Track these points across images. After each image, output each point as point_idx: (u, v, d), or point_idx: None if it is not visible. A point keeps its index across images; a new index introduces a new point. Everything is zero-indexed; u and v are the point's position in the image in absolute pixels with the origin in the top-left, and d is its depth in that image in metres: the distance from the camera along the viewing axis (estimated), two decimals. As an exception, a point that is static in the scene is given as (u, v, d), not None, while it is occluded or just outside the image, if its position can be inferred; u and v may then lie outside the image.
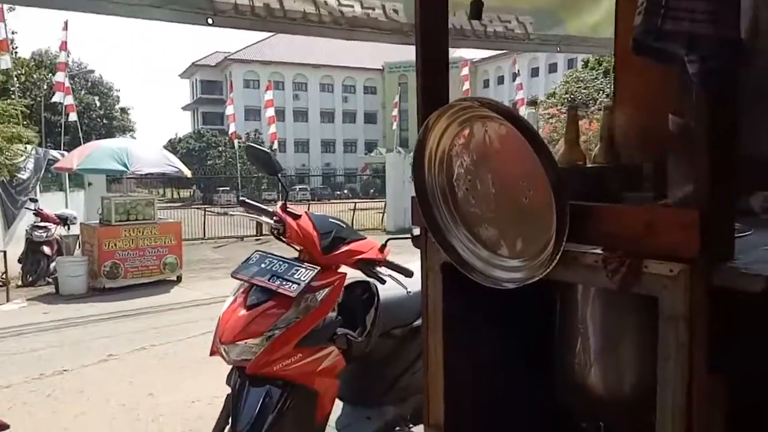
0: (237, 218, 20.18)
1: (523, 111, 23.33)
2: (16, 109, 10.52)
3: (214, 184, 37.59)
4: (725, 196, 1.02)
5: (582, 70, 30.92)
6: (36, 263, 9.62)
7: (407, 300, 2.86)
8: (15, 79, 13.73)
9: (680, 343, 1.02)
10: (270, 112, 21.40)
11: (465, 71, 23.31)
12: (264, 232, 17.80)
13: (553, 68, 48.71)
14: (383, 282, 2.62)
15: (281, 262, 2.52)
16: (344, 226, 2.73)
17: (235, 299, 2.54)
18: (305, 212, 2.69)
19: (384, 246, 2.68)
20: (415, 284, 2.90)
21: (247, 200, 2.79)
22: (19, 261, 9.66)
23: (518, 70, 28.31)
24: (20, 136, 10.07)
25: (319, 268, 2.43)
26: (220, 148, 42.25)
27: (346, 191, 47.94)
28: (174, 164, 9.31)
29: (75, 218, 10.53)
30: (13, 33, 13.44)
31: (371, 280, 2.67)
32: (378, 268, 2.62)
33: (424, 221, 1.43)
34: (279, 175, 2.81)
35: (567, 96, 26.93)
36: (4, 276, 8.62)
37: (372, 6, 2.12)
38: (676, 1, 0.93)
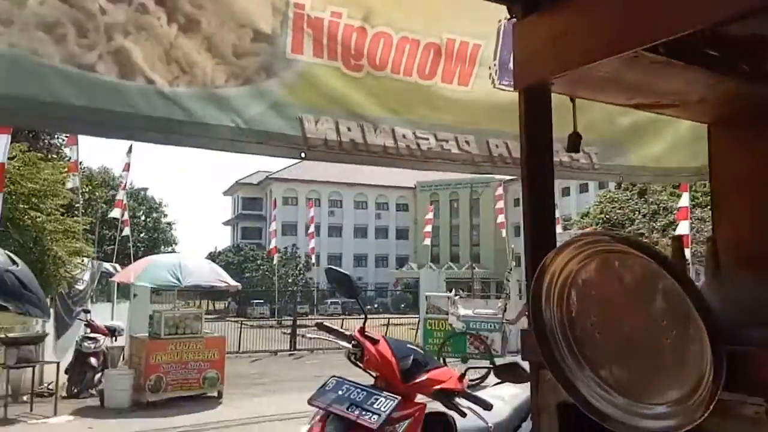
0: (271, 332, 20.25)
1: (559, 230, 23.39)
2: (81, 226, 11.20)
3: (249, 297, 37.97)
4: None
5: (615, 191, 31.33)
6: (83, 374, 9.74)
7: (487, 435, 2.84)
8: (81, 197, 14.70)
9: None
10: (311, 228, 22.08)
11: (499, 191, 24.02)
12: (298, 347, 17.74)
13: (584, 188, 49.37)
14: (464, 415, 2.57)
15: (359, 390, 2.49)
16: (422, 351, 2.74)
17: (312, 428, 2.58)
18: (383, 337, 2.72)
19: (463, 375, 2.65)
20: (493, 417, 2.90)
21: (324, 324, 2.91)
22: (66, 371, 9.81)
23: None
24: (81, 251, 10.65)
25: (399, 398, 2.41)
26: (258, 262, 43.15)
27: (376, 305, 47.60)
28: (223, 278, 9.66)
29: (122, 330, 10.80)
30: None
31: (449, 411, 2.61)
32: (457, 399, 2.58)
33: (540, 358, 1.37)
34: (358, 298, 2.91)
35: (602, 216, 27.11)
36: (50, 387, 8.75)
37: (446, 138, 2.31)
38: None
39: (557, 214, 23.38)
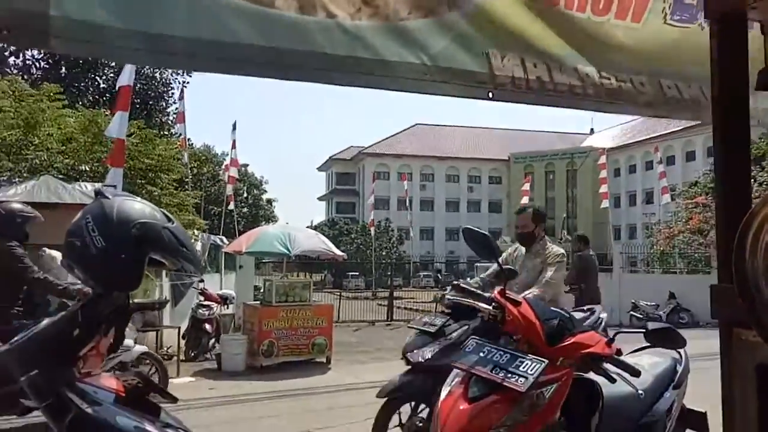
0: (367, 303, 20.63)
1: (666, 199, 21.84)
2: (192, 199, 11.79)
3: (345, 269, 38.88)
4: None
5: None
6: (198, 340, 10.32)
7: (635, 401, 2.65)
8: (190, 172, 15.50)
9: None
10: (405, 202, 22.06)
11: (602, 159, 22.76)
12: (395, 318, 17.93)
13: (690, 156, 46.09)
14: (613, 381, 2.43)
15: (502, 353, 2.41)
16: (568, 315, 2.61)
17: (453, 390, 2.48)
18: (524, 299, 2.61)
19: (612, 340, 2.51)
20: (640, 385, 2.70)
21: (462, 284, 2.80)
22: (183, 337, 10.43)
23: (660, 158, 27.04)
24: (194, 223, 11.23)
25: (546, 361, 2.33)
26: (352, 235, 44.03)
27: (468, 278, 47.17)
28: (330, 248, 9.81)
29: (234, 298, 11.33)
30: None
31: (596, 377, 2.50)
32: (605, 365, 2.44)
33: (743, 315, 1.21)
34: (498, 259, 2.78)
35: (713, 186, 25.14)
36: (171, 350, 9.33)
37: (624, 80, 2.16)
38: None
39: (664, 182, 21.98)
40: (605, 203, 22.46)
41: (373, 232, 24.93)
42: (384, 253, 41.06)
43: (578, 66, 2.03)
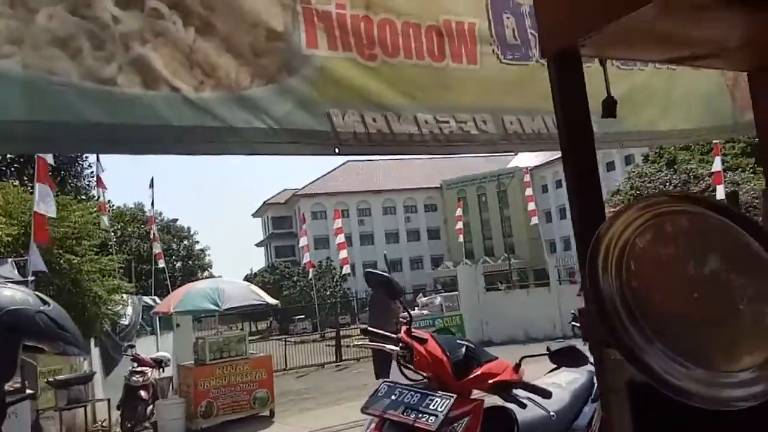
0: (315, 346, 20.24)
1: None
2: (115, 264, 11.34)
3: (290, 314, 38.14)
4: None
5: (643, 164, 30.61)
6: (134, 409, 9.78)
7: (550, 424, 2.70)
8: (113, 234, 14.93)
9: None
10: (340, 238, 22.04)
11: (527, 178, 23.68)
12: (344, 358, 17.68)
13: (610, 167, 48.51)
14: (524, 406, 2.48)
15: (413, 393, 2.44)
16: (473, 346, 2.64)
17: None
18: (430, 335, 2.64)
19: (518, 365, 2.55)
20: (553, 405, 2.77)
21: (369, 328, 2.81)
22: (118, 408, 9.88)
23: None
24: (119, 288, 10.77)
25: (454, 396, 2.35)
26: (294, 278, 43.36)
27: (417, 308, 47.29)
28: (261, 297, 9.63)
29: (169, 360, 10.86)
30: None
31: (508, 404, 2.55)
32: (515, 391, 2.49)
33: (603, 334, 1.24)
34: (401, 299, 2.81)
35: (633, 192, 26.53)
36: (104, 424, 8.81)
37: (464, 120, 2.29)
38: None
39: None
40: (534, 219, 23.27)
41: (311, 274, 24.66)
42: (328, 293, 40.63)
43: (417, 114, 2.16)
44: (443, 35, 2.21)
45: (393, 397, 2.47)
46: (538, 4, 1.61)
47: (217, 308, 8.79)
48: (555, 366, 2.77)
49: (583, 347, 2.57)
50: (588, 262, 1.27)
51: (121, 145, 1.65)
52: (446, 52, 2.20)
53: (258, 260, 77.24)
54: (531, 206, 22.74)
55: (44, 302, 1.87)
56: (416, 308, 19.10)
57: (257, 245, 67.13)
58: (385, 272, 2.81)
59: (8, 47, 1.46)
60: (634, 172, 29.07)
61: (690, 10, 1.33)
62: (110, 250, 14.58)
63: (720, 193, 12.51)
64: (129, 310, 11.62)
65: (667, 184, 24.95)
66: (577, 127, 1.68)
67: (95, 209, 13.65)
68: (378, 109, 2.07)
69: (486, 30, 2.33)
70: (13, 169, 19.52)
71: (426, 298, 20.85)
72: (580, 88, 1.69)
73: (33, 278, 8.76)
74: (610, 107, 1.82)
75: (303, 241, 22.06)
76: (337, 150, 1.98)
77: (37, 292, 1.93)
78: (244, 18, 1.80)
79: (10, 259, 8.76)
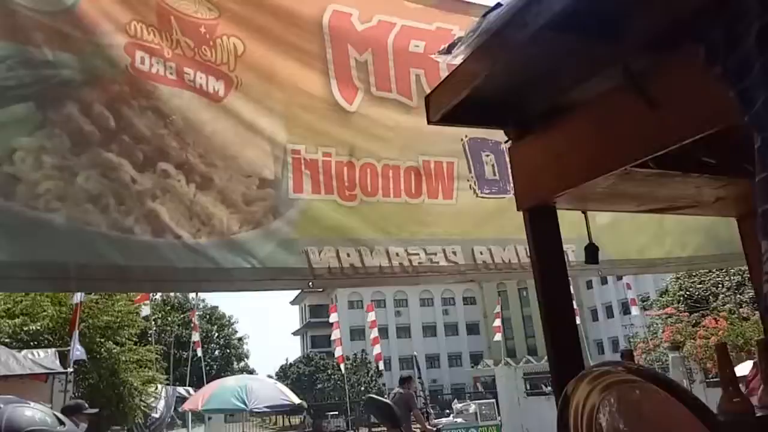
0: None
1: (635, 312, 21.85)
2: (152, 354, 11.59)
3: (323, 409, 37.13)
4: None
5: (692, 263, 29.45)
6: None
7: None
8: (154, 324, 15.31)
9: None
10: (374, 332, 21.77)
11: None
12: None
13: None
14: None
15: None
16: None
17: None
18: None
19: None
20: None
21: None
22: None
23: (622, 270, 27.47)
24: (154, 379, 10.95)
25: None
26: (329, 371, 42.60)
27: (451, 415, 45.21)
28: (288, 397, 9.58)
29: (195, 458, 10.77)
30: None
31: None
32: None
33: None
34: (402, 427, 2.85)
35: (681, 293, 25.45)
36: None
37: (434, 252, 2.42)
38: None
39: (632, 294, 22.06)
40: (576, 319, 22.40)
41: (343, 369, 24.20)
42: (363, 388, 39.49)
43: (389, 247, 2.33)
44: (421, 174, 2.41)
45: None
46: (514, 163, 1.76)
47: (244, 407, 8.78)
48: None
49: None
50: (557, 418, 1.27)
51: (134, 283, 1.96)
52: (423, 189, 2.40)
53: (294, 348, 76.52)
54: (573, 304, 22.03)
55: (61, 422, 2.03)
56: (450, 415, 18.45)
57: (294, 333, 66.90)
58: (393, 394, 2.86)
59: (56, 203, 1.79)
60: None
61: (646, 178, 1.43)
62: (149, 338, 14.91)
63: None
64: (161, 404, 11.73)
65: (720, 285, 23.89)
66: (553, 273, 1.74)
67: (137, 297, 14.13)
68: (352, 244, 2.26)
69: (465, 167, 2.52)
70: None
71: (461, 404, 20.10)
72: (555, 237, 1.79)
73: (73, 369, 9.05)
74: (592, 254, 1.91)
75: (335, 334, 21.84)
76: (311, 284, 2.17)
77: (55, 412, 2.11)
78: (239, 170, 2.08)
79: (52, 350, 9.10)
